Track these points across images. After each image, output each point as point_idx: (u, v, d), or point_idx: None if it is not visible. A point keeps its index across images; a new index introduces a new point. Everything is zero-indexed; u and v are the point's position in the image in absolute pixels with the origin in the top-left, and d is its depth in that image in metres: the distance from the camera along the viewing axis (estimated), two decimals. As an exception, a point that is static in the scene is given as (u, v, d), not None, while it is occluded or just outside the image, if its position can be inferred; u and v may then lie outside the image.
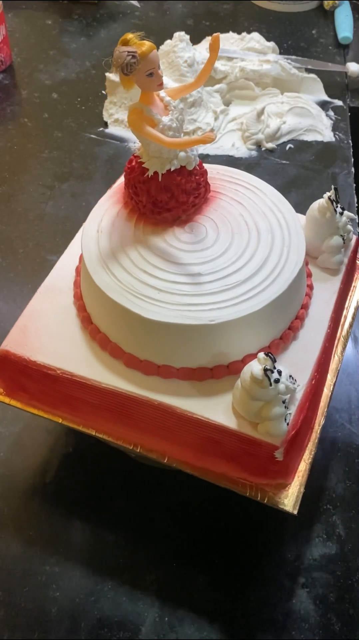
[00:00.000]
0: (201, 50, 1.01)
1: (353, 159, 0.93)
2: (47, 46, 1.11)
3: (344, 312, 0.60)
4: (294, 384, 0.48)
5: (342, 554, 0.56)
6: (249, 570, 0.56)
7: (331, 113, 0.99)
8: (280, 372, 0.46)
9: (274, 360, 0.46)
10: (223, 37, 1.07)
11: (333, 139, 0.95)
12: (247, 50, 1.03)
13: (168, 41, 0.97)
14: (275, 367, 0.46)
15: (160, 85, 0.49)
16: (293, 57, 1.03)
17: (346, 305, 0.60)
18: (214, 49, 0.50)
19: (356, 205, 0.86)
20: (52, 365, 0.51)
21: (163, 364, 0.50)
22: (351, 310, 0.61)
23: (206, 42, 1.07)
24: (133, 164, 0.53)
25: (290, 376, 0.47)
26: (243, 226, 0.54)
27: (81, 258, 0.57)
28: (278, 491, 0.49)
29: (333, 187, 0.57)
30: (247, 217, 0.55)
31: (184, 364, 0.50)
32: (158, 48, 0.99)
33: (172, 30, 0.98)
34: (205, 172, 0.55)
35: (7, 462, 0.62)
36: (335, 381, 0.55)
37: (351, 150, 0.94)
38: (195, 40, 1.03)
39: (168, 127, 0.50)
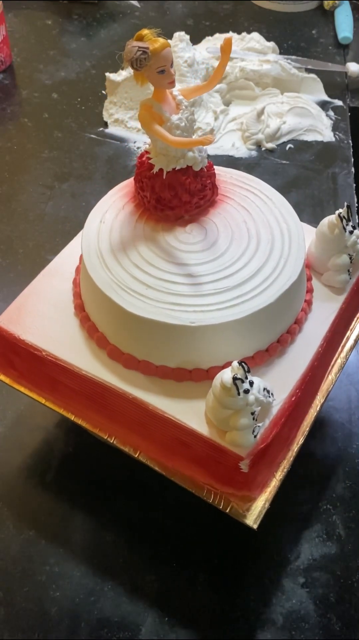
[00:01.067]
0: (201, 50, 1.01)
1: (353, 159, 0.93)
2: (47, 46, 1.11)
3: (348, 333, 0.58)
4: (269, 397, 0.47)
5: (342, 554, 0.56)
6: (249, 570, 0.56)
7: (331, 113, 0.99)
8: (251, 383, 0.45)
9: (247, 370, 0.45)
10: (223, 37, 1.06)
11: (333, 139, 0.95)
12: (247, 50, 1.03)
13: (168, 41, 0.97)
14: (247, 377, 0.45)
15: (171, 83, 0.49)
16: (293, 57, 1.03)
17: (351, 327, 0.59)
18: (226, 51, 0.50)
19: (356, 205, 0.86)
20: (39, 346, 0.52)
21: (144, 360, 0.51)
22: (355, 333, 0.59)
23: (206, 42, 1.07)
24: (143, 158, 0.53)
25: (266, 389, 0.47)
26: (244, 233, 0.54)
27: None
28: (243, 503, 0.48)
29: (346, 204, 0.55)
30: (250, 225, 0.54)
31: (164, 362, 0.50)
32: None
33: (172, 30, 0.98)
34: (213, 174, 0.55)
35: (7, 462, 0.62)
36: (323, 402, 0.54)
37: (351, 150, 0.94)
38: (195, 40, 1.03)
39: (175, 126, 0.50)
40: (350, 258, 0.55)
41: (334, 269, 0.56)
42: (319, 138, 0.95)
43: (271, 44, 1.05)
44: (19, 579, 0.55)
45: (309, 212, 0.84)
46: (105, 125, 0.97)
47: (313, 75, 1.01)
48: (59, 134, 0.96)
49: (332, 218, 0.55)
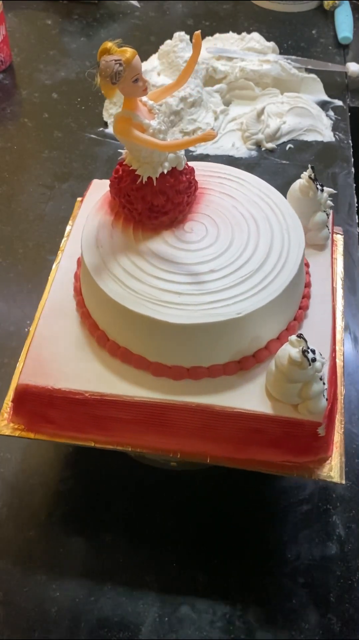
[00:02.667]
0: (202, 50, 1.01)
1: (353, 159, 0.93)
2: (47, 46, 1.11)
3: (333, 283, 0.61)
4: (322, 359, 0.49)
5: (342, 554, 0.56)
6: (249, 570, 0.56)
7: (331, 113, 0.99)
8: (313, 351, 0.47)
9: (306, 341, 0.47)
10: (223, 37, 1.07)
11: (333, 139, 0.95)
12: (247, 50, 1.03)
13: (168, 41, 0.97)
14: (308, 347, 0.47)
15: (145, 91, 0.48)
16: (293, 57, 1.03)
17: (332, 277, 0.61)
18: (196, 46, 0.49)
19: (356, 205, 0.86)
20: (78, 389, 0.50)
21: (193, 366, 0.50)
22: (339, 282, 0.62)
23: (207, 42, 1.07)
24: (120, 173, 0.52)
25: (319, 352, 0.49)
26: (239, 217, 0.55)
27: (77, 277, 0.56)
28: (320, 465, 0.50)
29: (309, 166, 0.59)
30: (240, 208, 0.55)
31: (213, 362, 0.50)
32: (157, 48, 0.99)
33: (172, 30, 0.98)
34: (193, 169, 0.55)
35: (7, 462, 0.62)
36: (344, 350, 0.56)
37: (351, 150, 0.94)
38: (195, 40, 1.03)
39: (158, 131, 0.50)
40: (326, 214, 0.60)
41: (315, 228, 0.59)
42: (319, 138, 0.95)
43: (271, 44, 1.05)
44: (19, 579, 0.55)
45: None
46: (105, 125, 0.97)
47: (313, 75, 1.01)
48: (59, 134, 0.96)
49: (303, 182, 0.58)
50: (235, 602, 0.54)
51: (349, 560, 0.56)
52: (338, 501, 0.59)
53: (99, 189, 0.63)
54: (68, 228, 0.66)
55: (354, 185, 0.89)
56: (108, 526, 0.58)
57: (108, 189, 0.60)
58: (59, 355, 0.52)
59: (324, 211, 0.59)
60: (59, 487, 0.60)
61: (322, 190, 0.59)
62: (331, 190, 0.60)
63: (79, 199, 0.69)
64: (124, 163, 0.52)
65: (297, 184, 0.59)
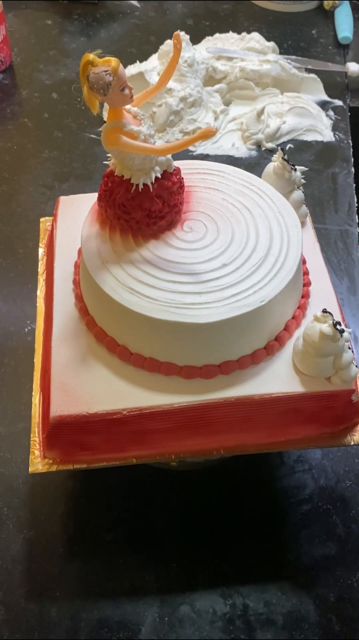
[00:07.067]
0: (201, 50, 1.02)
1: (353, 159, 0.93)
2: (47, 46, 1.11)
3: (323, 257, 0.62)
4: (348, 328, 0.50)
5: (342, 554, 0.56)
6: (249, 570, 0.56)
7: (331, 113, 0.99)
8: (339, 323, 0.48)
9: (332, 314, 0.48)
10: (223, 37, 1.07)
11: (333, 139, 0.95)
12: (247, 50, 1.03)
13: (168, 41, 0.97)
14: (334, 319, 0.48)
15: (132, 98, 0.47)
16: (293, 57, 1.03)
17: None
18: (176, 46, 0.49)
19: (356, 205, 0.86)
20: (116, 409, 0.49)
21: (224, 362, 0.50)
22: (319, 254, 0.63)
23: (206, 42, 1.07)
24: (110, 185, 0.51)
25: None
26: (232, 209, 0.55)
27: (79, 297, 0.55)
28: (352, 431, 0.52)
29: (279, 148, 0.59)
30: (230, 199, 0.56)
31: (243, 353, 0.50)
32: (157, 48, 0.99)
33: (171, 30, 0.97)
34: (179, 169, 0.54)
35: (7, 462, 0.62)
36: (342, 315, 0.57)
37: (351, 150, 0.94)
38: (195, 40, 1.03)
39: (149, 135, 0.49)
40: (302, 191, 0.62)
41: (294, 206, 0.59)
42: (319, 138, 0.95)
43: (271, 44, 1.05)
44: (19, 579, 0.55)
45: (310, 212, 0.84)
46: (105, 125, 0.97)
47: (313, 75, 1.01)
48: (59, 134, 0.96)
49: (277, 164, 0.60)
50: (235, 602, 0.54)
51: (349, 560, 0.56)
52: (338, 501, 0.59)
53: (69, 206, 0.62)
54: (40, 251, 0.65)
55: (354, 185, 0.89)
56: (108, 526, 0.58)
57: (79, 205, 0.60)
58: (84, 379, 0.50)
59: (299, 188, 0.61)
60: (59, 487, 0.60)
61: (295, 170, 0.60)
62: (303, 167, 0.61)
63: (42, 219, 0.68)
64: (114, 174, 0.51)
65: (271, 167, 0.60)
